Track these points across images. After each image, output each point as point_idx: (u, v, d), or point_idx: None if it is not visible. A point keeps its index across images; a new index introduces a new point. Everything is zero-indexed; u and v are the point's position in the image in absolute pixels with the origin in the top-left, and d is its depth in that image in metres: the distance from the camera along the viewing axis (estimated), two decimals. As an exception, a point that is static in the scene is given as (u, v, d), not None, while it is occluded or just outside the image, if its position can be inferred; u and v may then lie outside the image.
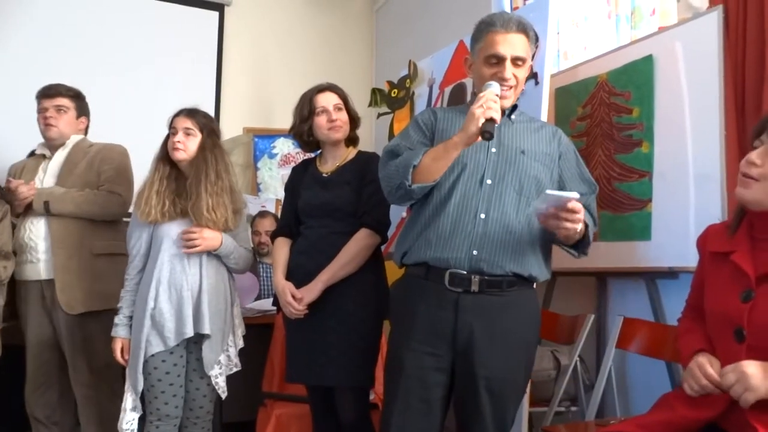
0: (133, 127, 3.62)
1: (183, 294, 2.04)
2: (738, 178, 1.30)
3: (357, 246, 1.95)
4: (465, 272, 1.58)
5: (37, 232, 2.44)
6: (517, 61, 1.66)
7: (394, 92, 3.12)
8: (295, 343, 2.03)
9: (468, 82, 2.59)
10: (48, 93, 2.56)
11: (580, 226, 1.52)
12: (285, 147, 4.10)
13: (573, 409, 2.26)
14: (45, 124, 2.54)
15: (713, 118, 1.98)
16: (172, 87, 3.88)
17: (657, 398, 1.44)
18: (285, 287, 1.97)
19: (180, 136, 2.11)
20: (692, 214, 2.03)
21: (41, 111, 2.55)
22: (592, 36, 2.68)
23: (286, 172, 4.07)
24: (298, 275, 1.99)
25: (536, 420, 2.26)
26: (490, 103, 1.52)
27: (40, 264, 2.43)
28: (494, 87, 1.61)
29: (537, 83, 2.23)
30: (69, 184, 2.48)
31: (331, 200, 2.01)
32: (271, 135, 4.13)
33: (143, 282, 2.10)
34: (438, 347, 1.60)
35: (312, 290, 1.93)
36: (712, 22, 2.01)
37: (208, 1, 4.15)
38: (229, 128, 3.97)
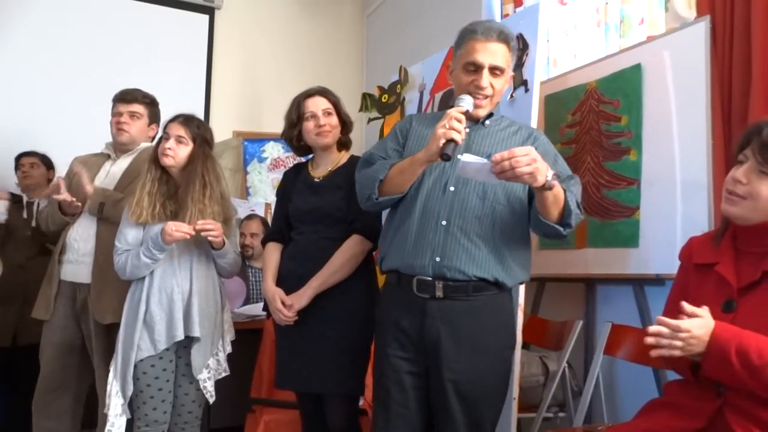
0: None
1: (174, 297, 2.04)
2: (723, 195, 1.32)
3: (348, 252, 1.94)
4: (430, 278, 1.60)
5: (83, 233, 2.39)
6: (495, 70, 1.64)
7: (385, 97, 3.13)
8: (284, 349, 2.03)
9: (458, 88, 2.61)
10: (125, 98, 2.54)
11: (548, 174, 1.44)
12: (275, 151, 4.10)
13: (561, 415, 2.27)
14: (117, 128, 2.51)
15: (700, 127, 2.00)
16: (161, 90, 3.79)
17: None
18: (275, 293, 1.96)
19: (171, 143, 2.10)
20: (679, 221, 2.05)
21: (115, 115, 2.52)
22: (581, 44, 2.70)
23: (276, 175, 4.11)
24: (289, 281, 1.98)
25: (524, 426, 2.26)
26: (453, 122, 1.50)
27: (79, 266, 2.37)
28: (465, 102, 1.60)
29: (527, 90, 2.25)
30: (127, 192, 2.41)
31: (322, 206, 2.01)
32: (260, 139, 4.12)
33: (134, 285, 2.09)
34: (410, 352, 1.63)
35: (302, 297, 1.92)
36: (700, 32, 2.03)
37: (198, 4, 4.14)
38: (219, 132, 3.92)
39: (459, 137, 1.51)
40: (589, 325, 2.41)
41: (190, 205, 2.05)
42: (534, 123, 2.19)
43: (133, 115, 2.52)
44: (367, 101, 3.21)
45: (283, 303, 1.93)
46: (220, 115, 4.13)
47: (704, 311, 1.22)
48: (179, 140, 2.11)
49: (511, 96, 2.30)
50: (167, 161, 2.10)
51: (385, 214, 1.97)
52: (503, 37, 1.65)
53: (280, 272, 2.04)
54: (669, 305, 1.49)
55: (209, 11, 4.18)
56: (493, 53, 1.63)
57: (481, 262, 1.60)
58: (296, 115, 2.09)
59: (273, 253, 2.09)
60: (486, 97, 1.65)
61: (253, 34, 4.30)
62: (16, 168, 3.21)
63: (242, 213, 3.63)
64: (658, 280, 2.11)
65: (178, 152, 2.11)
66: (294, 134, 2.11)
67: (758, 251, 1.29)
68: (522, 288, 2.08)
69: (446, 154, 1.50)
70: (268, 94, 4.20)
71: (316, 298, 1.93)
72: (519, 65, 2.29)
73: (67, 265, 2.41)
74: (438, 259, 1.59)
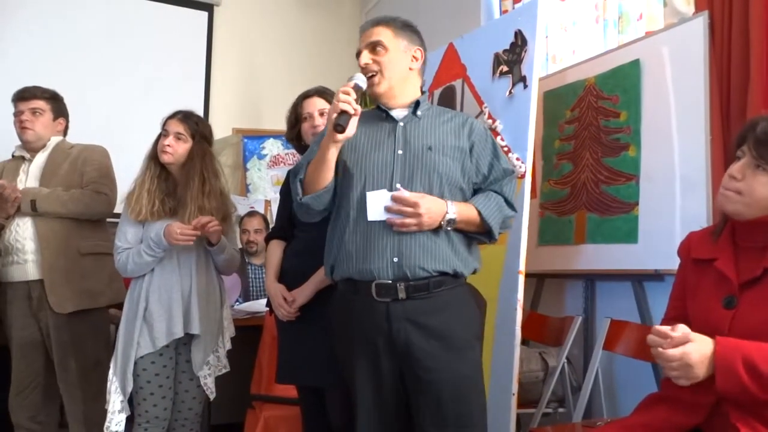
0: (122, 127, 3.61)
1: (173, 295, 2.04)
2: (719, 191, 1.31)
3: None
4: (390, 281, 1.55)
5: (23, 232, 2.42)
6: (374, 47, 1.68)
7: (384, 94, 3.12)
8: (286, 344, 2.03)
9: (457, 84, 2.61)
10: (23, 96, 2.54)
11: (446, 216, 1.54)
12: (274, 148, 4.09)
13: (560, 410, 2.27)
14: (21, 127, 2.51)
15: (699, 122, 2.00)
16: (161, 87, 3.87)
17: (643, 400, 1.45)
18: (276, 289, 1.97)
19: (170, 140, 2.10)
20: (678, 217, 2.05)
21: (17, 114, 2.53)
22: (580, 40, 2.70)
23: (276, 172, 4.11)
24: (292, 277, 1.99)
25: (524, 421, 2.27)
26: (341, 96, 1.53)
27: (27, 265, 2.41)
28: (356, 78, 1.62)
29: (525, 86, 2.25)
30: (52, 186, 2.46)
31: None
32: (260, 136, 4.12)
33: (134, 282, 2.10)
34: (381, 360, 1.57)
35: (303, 292, 1.93)
36: (698, 27, 2.03)
37: (198, 1, 4.14)
38: (219, 129, 3.92)
39: (349, 108, 1.53)
40: (589, 320, 2.42)
41: (189, 202, 2.06)
42: (533, 119, 2.18)
43: (34, 111, 2.52)
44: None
45: (284, 298, 1.94)
46: (219, 112, 4.13)
47: (688, 335, 1.20)
48: (178, 137, 2.11)
49: (510, 92, 2.30)
50: (166, 158, 2.10)
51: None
52: (377, 22, 1.72)
53: (282, 269, 2.05)
54: (671, 302, 1.49)
55: (208, 8, 4.18)
56: (367, 36, 1.71)
57: (439, 255, 1.57)
58: (294, 117, 2.11)
59: (276, 250, 2.10)
60: (374, 73, 1.66)
61: (252, 31, 4.30)
62: None
63: (242, 210, 3.63)
64: (657, 276, 2.11)
65: (177, 149, 2.10)
66: (294, 135, 2.13)
67: (758, 246, 1.29)
68: (521, 284, 2.08)
69: (339, 124, 1.51)
70: (267, 91, 4.20)
71: (317, 294, 1.93)
72: (517, 61, 2.29)
73: (13, 267, 2.43)
74: (396, 259, 1.55)
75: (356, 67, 1.71)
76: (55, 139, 2.59)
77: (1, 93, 3.46)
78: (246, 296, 3.32)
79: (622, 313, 2.17)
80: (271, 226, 3.44)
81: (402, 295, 1.55)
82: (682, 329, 1.21)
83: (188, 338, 2.06)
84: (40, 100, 2.54)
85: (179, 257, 2.09)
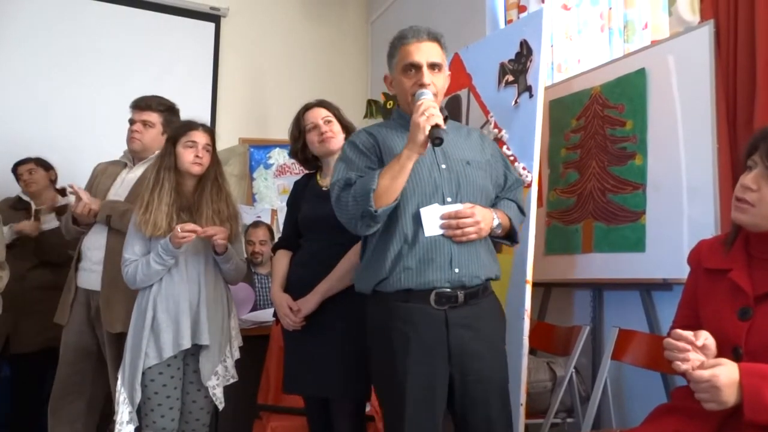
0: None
1: (181, 305, 2.05)
2: (733, 202, 1.29)
3: (355, 259, 1.95)
4: (449, 290, 1.61)
5: (95, 242, 2.41)
6: (434, 67, 1.68)
7: (390, 104, 3.14)
8: (292, 354, 2.04)
9: (463, 94, 2.61)
10: (138, 105, 2.54)
11: (494, 223, 1.66)
12: (281, 157, 4.11)
13: (569, 420, 2.26)
14: (130, 137, 2.52)
15: (705, 131, 2.00)
16: (168, 97, 3.87)
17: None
18: (282, 299, 1.98)
19: (201, 151, 2.12)
20: (686, 225, 2.05)
21: (130, 122, 2.54)
22: (585, 49, 2.70)
23: (282, 182, 4.13)
24: (298, 287, 2.00)
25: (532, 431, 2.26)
26: (431, 109, 1.54)
27: (92, 274, 2.40)
28: (427, 94, 1.63)
29: (531, 96, 2.25)
30: (138, 200, 2.45)
31: (330, 214, 2.01)
32: (266, 145, 4.14)
33: (142, 292, 2.10)
34: (436, 365, 1.60)
35: (309, 302, 1.93)
36: (704, 36, 2.03)
37: (205, 12, 4.17)
38: (225, 138, 3.97)
39: (441, 121, 1.54)
40: (596, 330, 2.41)
41: (205, 209, 2.09)
42: (539, 128, 2.19)
43: (145, 123, 2.52)
44: (372, 107, 3.23)
45: (290, 308, 1.94)
46: (226, 121, 4.15)
47: (720, 360, 1.17)
48: (207, 149, 2.14)
49: (516, 102, 2.30)
50: (198, 170, 2.13)
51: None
52: (433, 36, 1.71)
53: (289, 279, 2.05)
54: (680, 310, 1.48)
55: (215, 19, 4.21)
56: (427, 51, 1.68)
57: (485, 262, 1.67)
58: (298, 130, 2.12)
59: (282, 260, 2.11)
60: (434, 95, 1.66)
61: (258, 42, 4.33)
62: (17, 178, 3.24)
63: (248, 219, 3.65)
64: (665, 285, 2.10)
65: (206, 160, 2.15)
66: (299, 148, 2.14)
67: None
68: (528, 293, 2.08)
69: (438, 137, 1.52)
70: (273, 100, 4.22)
71: (323, 304, 1.93)
72: (523, 71, 2.30)
73: (82, 273, 2.44)
74: (457, 270, 1.61)
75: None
76: (159, 153, 2.60)
77: (5, 99, 3.55)
78: (253, 306, 3.32)
79: (630, 322, 2.16)
80: (276, 236, 3.46)
81: (461, 301, 1.62)
82: (704, 336, 1.20)
83: (196, 348, 2.06)
84: (154, 112, 2.54)
85: (187, 267, 2.09)
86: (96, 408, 2.49)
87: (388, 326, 1.65)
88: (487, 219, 1.64)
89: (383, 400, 1.70)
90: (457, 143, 1.73)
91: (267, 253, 3.41)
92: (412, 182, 1.62)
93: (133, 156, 2.57)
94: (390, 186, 1.57)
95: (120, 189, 2.50)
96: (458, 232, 1.60)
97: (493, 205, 1.76)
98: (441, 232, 1.61)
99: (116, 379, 2.31)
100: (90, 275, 2.41)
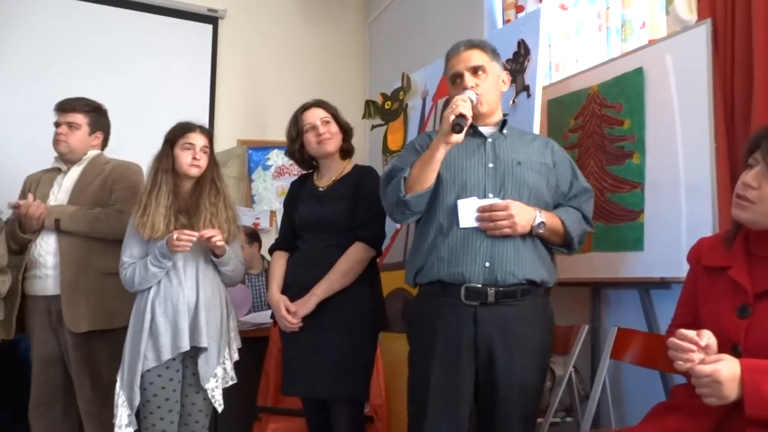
0: (128, 139, 3.62)
1: (179, 307, 2.04)
2: (733, 200, 1.29)
3: (352, 259, 1.95)
4: (480, 285, 1.61)
5: (47, 247, 2.41)
6: (475, 70, 1.75)
7: (388, 104, 3.14)
8: (290, 355, 2.04)
9: (461, 94, 2.61)
10: (62, 107, 2.53)
11: (535, 221, 1.64)
12: (279, 159, 4.11)
13: (568, 419, 2.26)
14: (55, 140, 2.51)
15: (703, 130, 2.00)
16: (166, 99, 3.88)
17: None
18: (279, 301, 1.98)
19: (199, 153, 2.13)
20: (684, 224, 2.04)
21: (55, 125, 2.53)
22: (583, 48, 2.70)
23: (281, 183, 4.12)
24: (295, 288, 2.00)
25: (532, 431, 2.26)
26: (458, 102, 1.60)
27: (47, 280, 2.39)
28: (467, 92, 1.69)
29: (529, 95, 2.25)
30: (81, 202, 2.45)
31: (327, 215, 2.02)
32: (265, 147, 4.14)
33: (140, 295, 2.10)
34: (461, 362, 1.62)
35: (306, 303, 1.93)
36: (701, 35, 2.03)
37: (202, 14, 4.17)
38: (224, 140, 3.98)
39: (467, 112, 1.59)
40: (595, 329, 2.41)
41: (204, 210, 2.08)
42: (536, 127, 2.19)
43: (71, 125, 2.51)
44: (371, 108, 3.22)
45: (287, 310, 1.94)
46: (224, 123, 4.14)
47: (721, 356, 1.17)
48: (204, 150, 2.14)
49: (513, 101, 2.30)
50: (196, 172, 2.13)
51: (391, 222, 1.97)
52: (471, 44, 1.79)
53: (286, 280, 2.06)
54: (680, 308, 1.48)
55: (213, 21, 4.21)
56: (466, 59, 1.77)
57: (527, 262, 1.65)
58: (296, 131, 2.12)
59: (279, 261, 2.11)
60: (477, 94, 1.71)
61: (256, 43, 4.32)
62: None
63: (247, 221, 3.65)
64: (663, 284, 2.10)
65: (203, 162, 2.15)
66: (296, 148, 2.14)
67: None
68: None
69: (458, 124, 1.57)
70: (272, 102, 4.22)
71: (320, 305, 1.94)
72: (521, 71, 2.30)
73: (35, 281, 2.42)
74: (488, 264, 1.61)
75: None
76: (92, 153, 2.58)
77: (5, 99, 3.54)
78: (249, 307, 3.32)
79: (628, 321, 2.16)
80: (263, 239, 3.46)
81: (491, 299, 1.61)
82: (707, 335, 1.20)
83: (194, 351, 2.06)
84: (79, 113, 2.54)
85: (185, 269, 2.09)
86: (72, 414, 2.47)
87: (422, 320, 1.71)
88: (524, 215, 1.63)
89: (409, 394, 1.72)
90: (513, 145, 1.77)
91: (256, 254, 3.42)
92: (454, 176, 1.68)
93: (65, 160, 2.56)
94: (419, 175, 1.64)
95: (60, 194, 2.50)
96: (491, 225, 1.61)
97: (552, 210, 1.75)
98: (476, 224, 1.62)
99: (84, 382, 2.35)
100: (46, 281, 2.40)
